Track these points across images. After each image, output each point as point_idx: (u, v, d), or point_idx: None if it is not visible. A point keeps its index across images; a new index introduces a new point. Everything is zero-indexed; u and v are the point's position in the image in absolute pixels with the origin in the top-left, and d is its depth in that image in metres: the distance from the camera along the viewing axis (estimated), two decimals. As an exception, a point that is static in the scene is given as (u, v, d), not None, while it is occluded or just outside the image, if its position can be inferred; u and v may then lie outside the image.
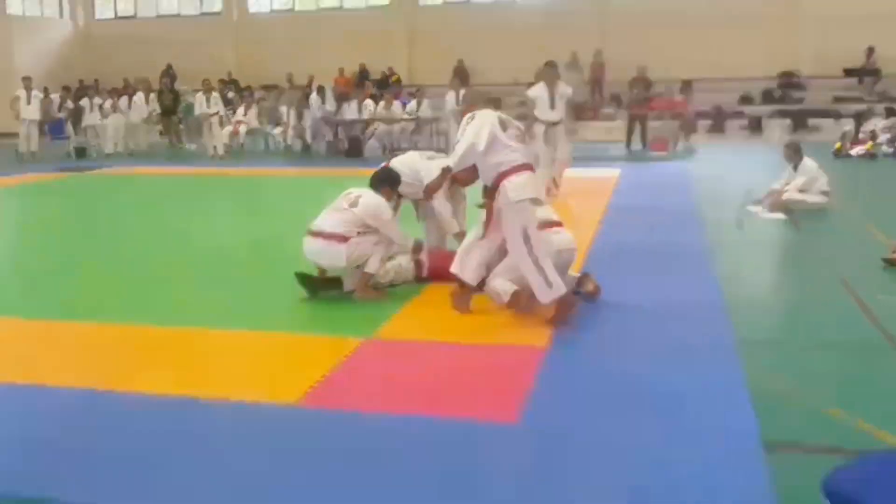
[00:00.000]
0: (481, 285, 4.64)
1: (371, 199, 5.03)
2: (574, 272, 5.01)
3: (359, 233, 4.92)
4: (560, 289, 4.26)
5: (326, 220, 5.03)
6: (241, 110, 16.93)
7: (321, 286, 5.10)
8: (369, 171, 5.41)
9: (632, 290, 5.12)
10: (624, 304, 4.81)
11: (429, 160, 5.66)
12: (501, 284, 4.56)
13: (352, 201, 5.02)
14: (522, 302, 4.48)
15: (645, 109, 15.56)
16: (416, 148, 13.51)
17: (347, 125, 15.95)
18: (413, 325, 4.53)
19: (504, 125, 4.40)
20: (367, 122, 15.85)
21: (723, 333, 4.20)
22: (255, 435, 3.14)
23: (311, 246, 5.02)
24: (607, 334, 4.29)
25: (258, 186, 11.86)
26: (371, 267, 4.99)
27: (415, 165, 5.66)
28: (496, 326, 4.44)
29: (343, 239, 4.91)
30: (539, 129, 9.25)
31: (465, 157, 4.33)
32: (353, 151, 15.19)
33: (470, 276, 4.57)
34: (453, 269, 4.64)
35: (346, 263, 4.94)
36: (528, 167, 4.38)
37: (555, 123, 9.31)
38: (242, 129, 16.63)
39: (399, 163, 5.72)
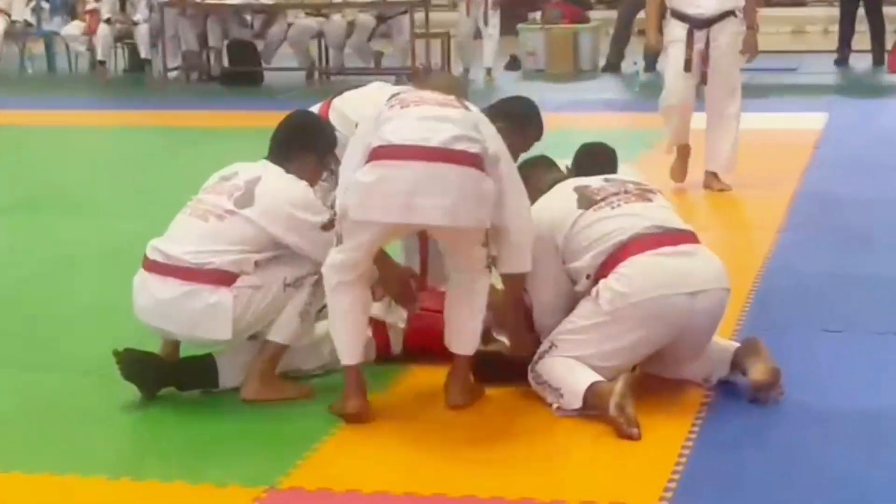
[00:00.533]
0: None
1: (280, 189, 4.76)
2: (725, 337, 4.89)
3: (257, 262, 4.65)
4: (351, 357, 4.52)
5: (185, 236, 4.75)
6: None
7: (170, 378, 4.85)
8: (275, 120, 5.19)
9: (845, 375, 4.98)
10: (832, 408, 4.60)
11: None
12: (563, 371, 4.54)
13: (239, 194, 4.73)
14: (614, 407, 4.37)
15: None
16: (379, 70, 13.62)
17: (227, 20, 15.59)
18: (369, 458, 4.35)
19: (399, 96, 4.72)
20: (271, 12, 15.51)
21: None
22: None
23: (152, 294, 4.70)
24: (792, 478, 4.04)
25: (30, 152, 11.57)
26: (281, 334, 4.74)
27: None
28: (545, 455, 4.27)
29: (223, 279, 4.60)
30: (676, 33, 8.38)
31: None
32: (241, 76, 15.13)
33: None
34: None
35: (231, 333, 4.64)
36: (403, 151, 4.46)
37: (713, 21, 8.36)
38: (-3, 23, 16.65)
39: (346, 104, 5.48)
